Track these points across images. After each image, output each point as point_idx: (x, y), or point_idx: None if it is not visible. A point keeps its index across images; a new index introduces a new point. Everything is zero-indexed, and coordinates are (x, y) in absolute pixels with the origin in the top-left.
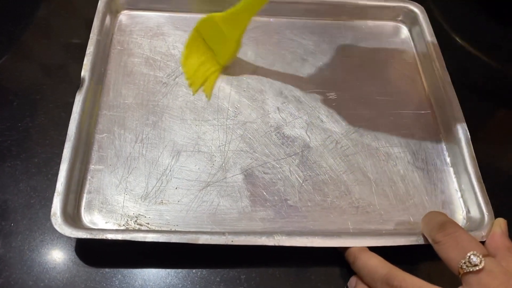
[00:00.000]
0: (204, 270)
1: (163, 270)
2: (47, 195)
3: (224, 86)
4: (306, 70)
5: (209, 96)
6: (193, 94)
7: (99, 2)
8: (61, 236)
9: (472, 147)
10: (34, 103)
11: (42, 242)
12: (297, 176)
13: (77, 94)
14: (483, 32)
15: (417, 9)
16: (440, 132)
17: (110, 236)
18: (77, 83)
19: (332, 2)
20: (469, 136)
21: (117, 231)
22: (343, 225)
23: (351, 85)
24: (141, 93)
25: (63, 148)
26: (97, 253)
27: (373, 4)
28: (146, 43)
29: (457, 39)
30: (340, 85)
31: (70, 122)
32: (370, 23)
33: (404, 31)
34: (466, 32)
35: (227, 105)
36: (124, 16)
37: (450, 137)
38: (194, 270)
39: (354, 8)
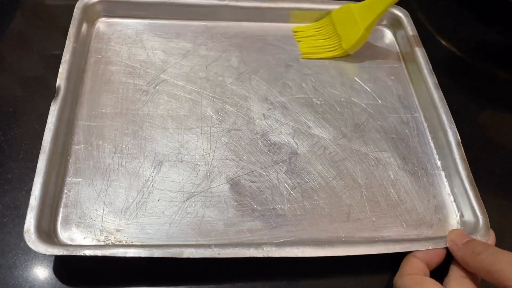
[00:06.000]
0: (193, 287)
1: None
2: (22, 213)
3: (207, 94)
4: (291, 76)
5: (303, 56)
6: (302, 57)
7: (75, 9)
8: (37, 256)
9: (462, 149)
10: (7, 116)
11: (16, 264)
12: (285, 184)
13: (52, 103)
14: (467, 33)
15: (401, 13)
16: (430, 135)
17: (88, 252)
18: (53, 94)
19: (316, 8)
20: (459, 138)
21: (95, 246)
22: (335, 233)
23: (337, 90)
24: (120, 102)
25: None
26: (76, 272)
27: None
28: (125, 50)
29: (442, 41)
30: (326, 91)
31: (45, 132)
32: None
33: (389, 35)
34: (450, 33)
35: (210, 112)
36: (102, 23)
37: (439, 140)
38: (180, 287)
39: None
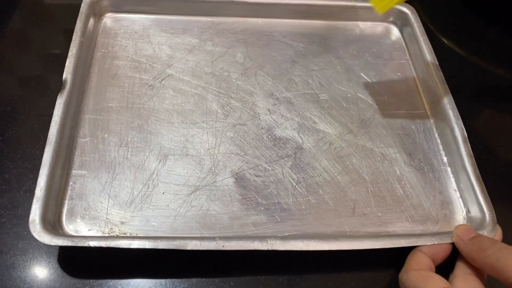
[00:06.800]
0: (194, 279)
1: (152, 280)
2: (19, 213)
3: (212, 89)
4: (297, 71)
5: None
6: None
7: (82, 4)
8: (35, 257)
9: (469, 145)
10: (5, 115)
11: (14, 265)
12: (290, 179)
13: (58, 96)
14: (469, 32)
15: (407, 10)
16: (436, 131)
17: (93, 244)
18: (53, 94)
19: (322, 4)
20: (466, 134)
21: (100, 238)
22: (340, 228)
23: (343, 86)
24: (126, 96)
25: (36, 163)
26: (78, 270)
27: (363, 5)
28: (131, 45)
29: (444, 40)
30: (332, 86)
31: (51, 125)
32: (361, 24)
33: (395, 32)
34: (452, 33)
35: (216, 107)
36: (109, 19)
37: (446, 136)
38: (183, 279)
39: (344, 9)
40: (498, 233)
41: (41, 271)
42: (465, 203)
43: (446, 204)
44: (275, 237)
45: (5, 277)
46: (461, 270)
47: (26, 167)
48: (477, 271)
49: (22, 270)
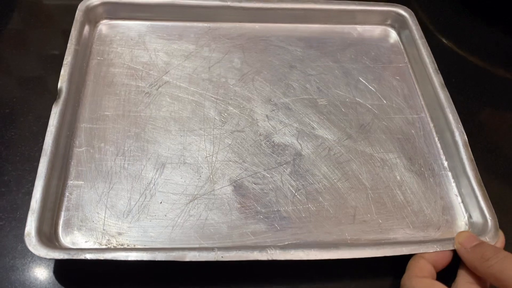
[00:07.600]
0: None
1: None
2: (18, 216)
3: (210, 95)
4: (295, 76)
5: None
6: None
7: (77, 11)
8: (34, 260)
9: (470, 149)
10: (3, 117)
11: (13, 268)
12: (289, 186)
13: (53, 105)
14: (469, 32)
15: (405, 13)
16: (436, 136)
17: (89, 256)
18: (52, 95)
19: (319, 8)
20: (466, 138)
21: (97, 250)
22: (340, 235)
23: (342, 90)
24: (122, 104)
25: (35, 165)
26: (77, 276)
27: (361, 9)
28: (127, 52)
29: (444, 40)
30: (330, 91)
31: (46, 135)
32: (359, 27)
33: (393, 35)
34: (452, 33)
35: (213, 114)
36: (104, 25)
37: (446, 140)
38: None
39: (341, 13)
40: (500, 239)
41: (40, 274)
42: (467, 208)
43: (447, 209)
44: (275, 247)
45: (5, 280)
46: (463, 279)
47: (25, 169)
48: (480, 279)
49: (21, 273)
